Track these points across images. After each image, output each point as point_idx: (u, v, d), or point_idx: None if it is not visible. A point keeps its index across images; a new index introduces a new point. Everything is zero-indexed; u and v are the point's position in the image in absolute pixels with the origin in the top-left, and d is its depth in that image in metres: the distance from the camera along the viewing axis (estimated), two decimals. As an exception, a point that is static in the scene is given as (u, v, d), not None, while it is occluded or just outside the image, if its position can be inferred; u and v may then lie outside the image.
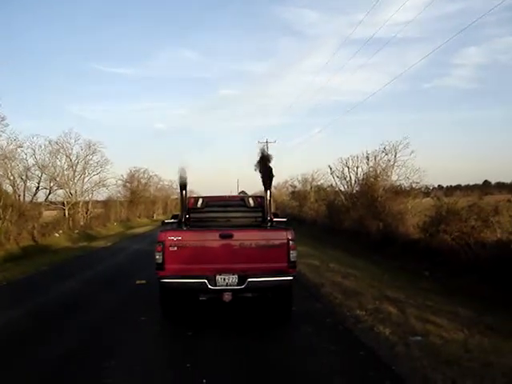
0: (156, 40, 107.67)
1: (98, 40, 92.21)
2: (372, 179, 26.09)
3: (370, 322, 7.61)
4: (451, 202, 17.96)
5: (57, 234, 27.91)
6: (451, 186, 34.44)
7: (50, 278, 13.92)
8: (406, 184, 24.68)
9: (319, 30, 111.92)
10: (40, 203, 33.21)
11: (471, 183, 33.75)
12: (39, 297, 10.77)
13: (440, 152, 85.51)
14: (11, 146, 26.99)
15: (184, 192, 9.13)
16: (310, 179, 45.87)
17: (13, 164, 28.59)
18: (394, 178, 25.75)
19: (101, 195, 43.46)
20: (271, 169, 8.77)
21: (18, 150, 28.49)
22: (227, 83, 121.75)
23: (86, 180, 39.11)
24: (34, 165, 32.73)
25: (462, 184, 36.64)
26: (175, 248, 7.58)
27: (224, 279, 7.59)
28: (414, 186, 23.99)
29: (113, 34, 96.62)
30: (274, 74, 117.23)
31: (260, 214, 9.61)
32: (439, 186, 27.63)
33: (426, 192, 23.65)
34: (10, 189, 28.42)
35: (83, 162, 38.08)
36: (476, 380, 5.07)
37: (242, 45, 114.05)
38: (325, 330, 7.55)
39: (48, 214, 33.85)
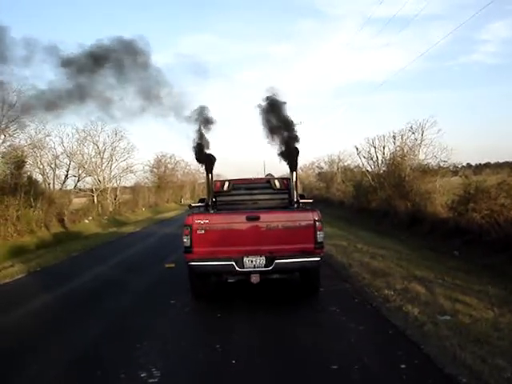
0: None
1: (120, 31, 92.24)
2: (399, 159, 25.83)
3: (399, 301, 7.57)
4: (480, 180, 17.70)
5: (87, 221, 28.39)
6: (480, 164, 33.89)
7: (82, 264, 14.17)
8: (433, 163, 24.44)
9: (341, 10, 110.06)
10: (69, 191, 33.89)
11: (501, 160, 33.04)
12: (72, 282, 10.98)
13: (468, 130, 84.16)
14: (39, 136, 27.43)
15: (210, 175, 9.23)
16: (337, 160, 45.75)
17: (42, 153, 29.19)
18: (422, 157, 25.55)
19: (128, 181, 44.31)
20: (297, 149, 8.94)
21: (47, 138, 29.01)
22: (249, 66, 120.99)
23: (113, 166, 39.93)
24: (62, 153, 33.49)
25: (492, 162, 35.96)
26: (203, 231, 7.65)
27: (251, 261, 7.64)
28: (441, 164, 23.71)
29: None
30: (297, 55, 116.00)
31: (286, 196, 9.64)
32: (468, 164, 27.28)
33: (455, 171, 23.35)
34: (39, 177, 29.05)
35: (110, 148, 38.79)
36: (506, 358, 5.04)
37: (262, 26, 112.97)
38: (353, 309, 7.56)
39: (77, 201, 34.48)
